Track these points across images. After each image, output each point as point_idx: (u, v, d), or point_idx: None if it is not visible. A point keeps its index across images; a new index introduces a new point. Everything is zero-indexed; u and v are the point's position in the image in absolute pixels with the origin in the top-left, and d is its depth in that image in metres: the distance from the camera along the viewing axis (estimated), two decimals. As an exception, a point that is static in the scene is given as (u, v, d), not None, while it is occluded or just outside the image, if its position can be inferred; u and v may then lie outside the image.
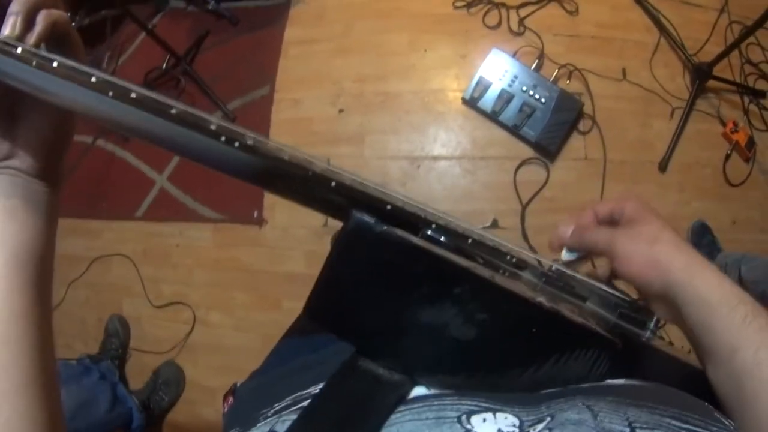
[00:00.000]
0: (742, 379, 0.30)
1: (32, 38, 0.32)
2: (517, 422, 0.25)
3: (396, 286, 0.30)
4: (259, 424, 0.32)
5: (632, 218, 0.37)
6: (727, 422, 0.25)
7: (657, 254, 0.34)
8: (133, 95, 0.30)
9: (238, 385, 0.46)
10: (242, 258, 1.52)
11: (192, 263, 1.55)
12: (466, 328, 0.29)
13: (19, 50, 0.31)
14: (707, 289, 0.32)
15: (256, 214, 1.51)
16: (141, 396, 1.43)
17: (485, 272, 0.31)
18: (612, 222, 0.39)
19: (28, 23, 0.32)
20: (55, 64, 0.31)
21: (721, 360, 0.31)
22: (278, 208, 1.51)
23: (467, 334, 0.29)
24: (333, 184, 0.31)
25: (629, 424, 0.23)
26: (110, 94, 0.30)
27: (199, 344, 1.52)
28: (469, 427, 0.24)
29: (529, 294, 0.31)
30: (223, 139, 0.30)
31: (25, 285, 0.33)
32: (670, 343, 0.38)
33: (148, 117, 0.30)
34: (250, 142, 0.30)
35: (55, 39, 0.34)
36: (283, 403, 0.33)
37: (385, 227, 0.29)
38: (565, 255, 0.39)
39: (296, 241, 1.48)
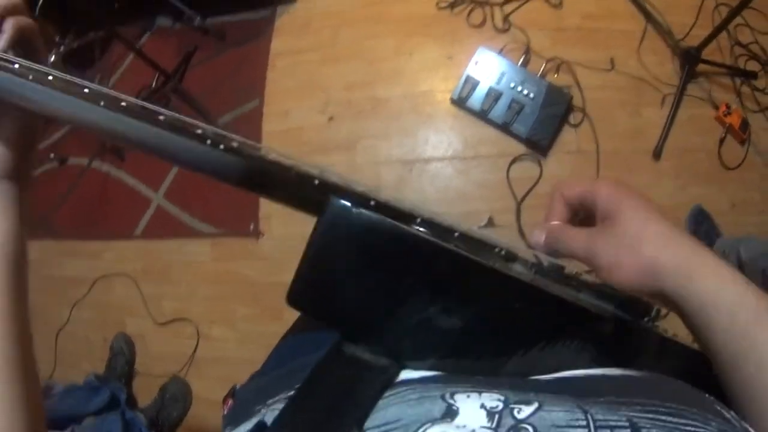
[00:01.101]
0: (751, 390, 0.27)
1: (0, 44, 0.35)
2: (502, 398, 0.24)
3: (376, 270, 0.30)
4: (250, 419, 0.32)
5: (608, 212, 0.31)
6: (728, 415, 0.24)
7: (645, 259, 0.29)
8: (123, 104, 0.31)
9: (238, 387, 0.46)
10: (241, 271, 1.53)
11: (192, 279, 1.57)
12: (450, 314, 0.29)
13: (16, 66, 0.33)
14: (705, 295, 0.28)
15: (252, 226, 1.52)
16: (149, 413, 1.44)
17: (464, 249, 0.31)
18: (587, 209, 0.34)
19: None
20: (50, 78, 0.32)
21: (727, 368, 0.28)
22: (274, 220, 1.52)
23: (452, 321, 0.29)
24: (316, 182, 0.31)
25: (627, 419, 0.22)
26: (101, 103, 0.31)
27: (204, 359, 1.52)
28: (451, 401, 0.24)
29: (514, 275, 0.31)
30: (208, 142, 0.31)
31: (2, 284, 0.35)
32: (674, 335, 0.37)
33: (137, 124, 0.31)
34: (234, 145, 0.31)
35: (21, 44, 0.37)
36: (276, 397, 0.33)
37: (362, 209, 0.30)
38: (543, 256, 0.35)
39: (294, 252, 1.46)
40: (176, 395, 1.51)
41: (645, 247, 0.29)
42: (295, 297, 0.32)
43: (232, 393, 0.45)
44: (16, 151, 0.37)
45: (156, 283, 1.58)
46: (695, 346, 0.35)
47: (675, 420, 0.22)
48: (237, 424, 0.33)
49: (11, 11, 0.36)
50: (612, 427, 0.21)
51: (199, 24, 1.67)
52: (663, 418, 0.22)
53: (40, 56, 0.38)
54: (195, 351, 1.52)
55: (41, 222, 1.68)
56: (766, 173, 1.47)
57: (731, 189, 1.46)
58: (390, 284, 0.30)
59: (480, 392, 0.25)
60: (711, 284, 0.28)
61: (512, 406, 0.23)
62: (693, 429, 0.22)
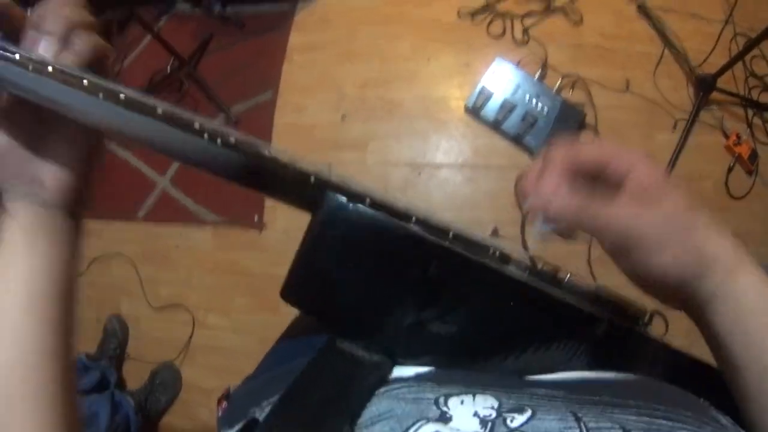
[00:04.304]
0: None
1: (67, 63, 0.30)
2: (495, 404, 0.24)
3: (370, 267, 0.30)
4: (244, 419, 0.32)
5: (647, 187, 0.28)
6: (724, 420, 0.24)
7: (693, 245, 0.27)
8: (122, 96, 0.30)
9: (232, 389, 0.46)
10: (242, 261, 1.53)
11: (191, 265, 1.56)
12: (444, 319, 0.30)
13: (17, 56, 0.30)
14: (744, 294, 0.26)
15: (256, 217, 1.51)
16: (138, 397, 1.43)
17: (459, 248, 0.31)
18: (593, 178, 0.30)
19: (64, 46, 0.30)
20: (50, 69, 0.30)
21: (751, 374, 0.26)
22: (279, 212, 1.52)
23: (446, 326, 0.30)
24: (312, 179, 0.31)
25: (621, 427, 0.22)
26: (100, 95, 0.30)
27: (197, 346, 1.52)
28: (445, 409, 0.24)
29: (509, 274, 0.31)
30: (206, 136, 0.30)
31: (50, 320, 0.32)
32: (663, 336, 0.37)
33: (135, 117, 0.30)
34: (232, 140, 0.31)
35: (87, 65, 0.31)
36: (270, 399, 0.33)
37: (357, 205, 0.30)
38: (539, 227, 0.28)
39: (296, 245, 1.47)
40: (166, 381, 1.50)
41: (695, 233, 0.27)
42: (289, 291, 0.32)
43: (226, 395, 0.45)
44: (74, 180, 0.34)
45: (155, 267, 1.57)
46: (686, 350, 0.35)
47: (670, 424, 0.22)
48: (231, 425, 0.33)
49: (83, 26, 0.31)
50: None
51: (218, 11, 1.67)
52: (658, 421, 0.22)
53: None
54: (191, 338, 1.51)
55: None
56: (770, 205, 1.48)
57: (735, 218, 1.46)
58: (384, 281, 0.30)
59: (474, 395, 0.25)
60: (756, 282, 0.26)
61: (505, 414, 0.24)
62: None
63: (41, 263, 0.33)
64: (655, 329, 0.36)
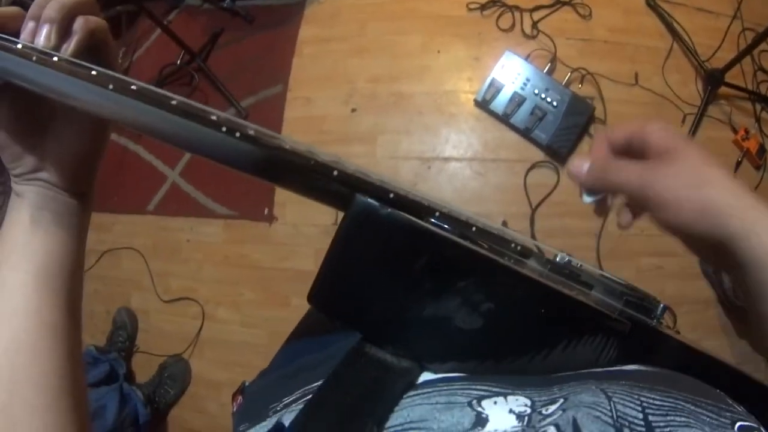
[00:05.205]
0: None
1: (70, 48, 0.31)
2: (528, 402, 0.25)
3: (400, 271, 0.30)
4: (268, 419, 0.32)
5: (665, 150, 0.29)
6: (739, 408, 0.24)
7: (710, 200, 0.27)
8: (134, 87, 0.29)
9: (247, 384, 0.46)
10: (252, 254, 1.53)
11: (201, 259, 1.56)
12: (473, 317, 0.29)
13: (19, 45, 0.30)
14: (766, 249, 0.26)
15: (266, 211, 1.52)
16: (146, 390, 1.44)
17: (491, 254, 0.31)
18: (630, 154, 0.32)
19: (65, 31, 0.31)
20: (55, 59, 0.30)
21: None
22: (289, 206, 1.52)
23: (474, 323, 0.29)
24: (335, 173, 0.30)
25: (642, 410, 0.22)
26: (110, 86, 0.29)
27: (206, 339, 1.52)
28: (480, 409, 0.24)
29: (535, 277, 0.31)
30: (224, 129, 0.29)
31: (56, 297, 0.33)
32: (677, 332, 0.38)
33: (148, 109, 0.29)
34: (251, 132, 0.30)
35: (89, 48, 0.32)
36: (292, 397, 0.33)
37: (390, 210, 0.29)
38: (585, 198, 0.34)
39: (306, 239, 1.49)
40: (175, 374, 1.51)
41: (708, 188, 0.27)
42: (317, 297, 0.31)
43: (242, 390, 0.45)
44: (77, 166, 0.35)
45: (165, 261, 1.58)
46: (700, 346, 0.36)
47: (692, 408, 0.23)
48: (252, 423, 0.33)
49: (81, 9, 0.31)
50: (630, 423, 0.22)
51: (228, 5, 1.67)
52: (681, 404, 0.23)
53: (112, 65, 0.33)
54: (199, 332, 1.51)
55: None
56: (779, 200, 1.48)
57: (743, 213, 1.47)
58: (414, 285, 0.30)
59: (506, 396, 0.25)
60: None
61: (540, 409, 0.24)
62: (708, 418, 0.22)
63: (48, 241, 0.33)
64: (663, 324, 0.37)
